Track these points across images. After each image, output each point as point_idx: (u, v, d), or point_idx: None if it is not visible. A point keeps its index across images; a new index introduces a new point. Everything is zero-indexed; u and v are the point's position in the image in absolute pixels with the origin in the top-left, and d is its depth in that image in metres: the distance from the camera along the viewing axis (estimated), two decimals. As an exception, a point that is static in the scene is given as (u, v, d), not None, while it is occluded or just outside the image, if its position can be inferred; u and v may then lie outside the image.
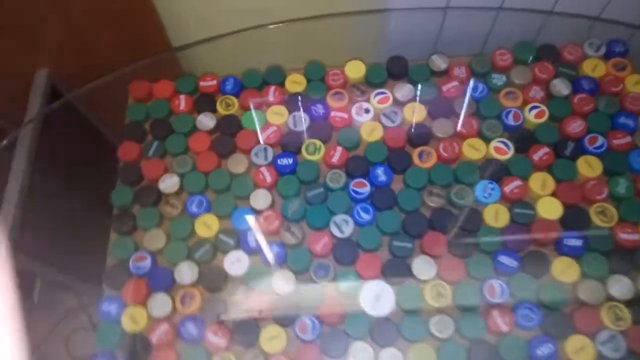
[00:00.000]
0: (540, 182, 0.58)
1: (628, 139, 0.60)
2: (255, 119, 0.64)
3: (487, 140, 0.61)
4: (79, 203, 0.88)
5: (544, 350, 0.50)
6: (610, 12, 0.74)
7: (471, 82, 0.65)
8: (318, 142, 0.62)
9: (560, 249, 0.55)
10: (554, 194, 0.58)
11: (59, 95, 0.92)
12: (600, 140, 0.60)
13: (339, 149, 0.61)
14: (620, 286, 0.53)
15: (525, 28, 0.74)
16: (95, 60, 0.80)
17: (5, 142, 0.72)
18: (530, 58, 0.66)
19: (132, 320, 0.54)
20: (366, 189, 0.59)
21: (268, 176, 0.60)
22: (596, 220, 0.56)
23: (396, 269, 0.55)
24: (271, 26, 0.70)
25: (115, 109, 0.76)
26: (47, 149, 0.82)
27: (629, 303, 0.52)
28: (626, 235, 0.55)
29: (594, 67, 0.65)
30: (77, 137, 0.91)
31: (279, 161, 0.61)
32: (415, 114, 0.63)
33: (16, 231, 0.75)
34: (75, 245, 0.88)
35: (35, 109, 0.85)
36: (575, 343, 0.51)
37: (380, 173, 0.60)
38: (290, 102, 0.65)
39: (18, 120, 0.84)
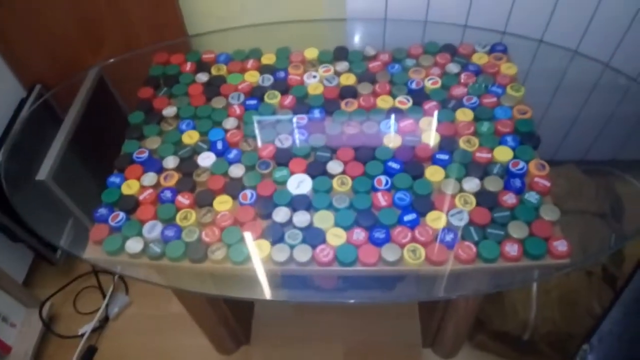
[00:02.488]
0: (427, 123, 0.81)
1: (495, 99, 0.84)
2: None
3: (394, 97, 0.86)
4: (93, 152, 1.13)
5: (410, 217, 0.71)
6: (513, 28, 1.01)
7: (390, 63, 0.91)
8: (277, 92, 0.88)
9: (433, 160, 0.77)
10: (436, 130, 0.81)
11: (104, 84, 1.23)
12: (475, 99, 0.84)
13: (291, 96, 0.87)
14: (471, 184, 0.73)
15: (450, 38, 1.00)
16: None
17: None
18: (435, 51, 0.93)
19: (128, 187, 0.78)
20: (304, 121, 0.84)
21: (238, 110, 0.86)
22: (463, 145, 0.78)
23: (316, 169, 0.77)
24: (259, 26, 1.00)
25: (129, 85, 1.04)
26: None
27: (475, 194, 0.72)
28: (481, 154, 0.76)
29: (479, 58, 0.90)
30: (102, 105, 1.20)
31: (247, 102, 0.87)
32: (348, 79, 0.89)
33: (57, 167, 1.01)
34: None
35: (83, 94, 1.16)
36: (433, 215, 0.71)
37: (317, 112, 0.85)
38: (262, 69, 0.92)
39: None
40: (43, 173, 1.00)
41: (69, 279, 1.38)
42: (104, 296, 1.34)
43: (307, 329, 1.28)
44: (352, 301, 0.77)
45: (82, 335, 1.27)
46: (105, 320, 1.32)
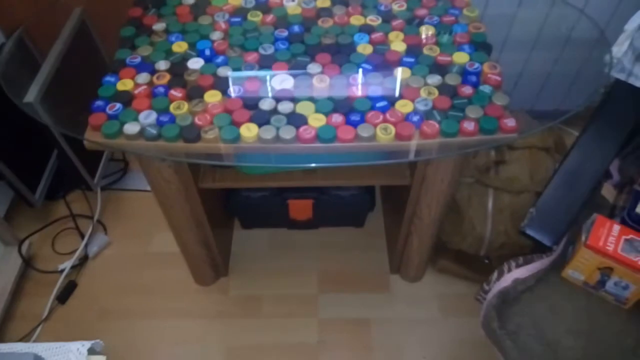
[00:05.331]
0: (395, 35, 0.92)
1: (453, 18, 0.95)
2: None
3: (365, 17, 0.96)
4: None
5: (382, 104, 0.80)
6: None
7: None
8: (259, 12, 0.97)
9: (402, 63, 0.87)
10: (403, 41, 0.91)
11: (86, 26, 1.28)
12: (436, 18, 0.95)
13: (272, 15, 0.96)
14: (433, 79, 0.84)
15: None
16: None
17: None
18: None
19: (123, 84, 0.84)
20: (285, 33, 0.93)
21: (223, 25, 0.94)
22: (426, 52, 0.89)
23: (297, 70, 0.86)
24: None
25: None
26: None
27: (437, 87, 0.83)
28: (442, 58, 0.87)
29: (439, -12, 1.02)
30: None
31: (232, 19, 0.95)
32: (323, 2, 0.99)
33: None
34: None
35: (66, 34, 1.20)
36: (402, 103, 0.81)
37: (296, 28, 0.94)
38: (244, -6, 1.01)
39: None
40: (31, 95, 1.05)
41: (47, 222, 1.41)
42: (83, 238, 1.37)
43: (282, 262, 1.35)
44: (320, 164, 0.85)
45: (62, 271, 1.30)
46: (84, 259, 1.35)
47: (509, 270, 0.80)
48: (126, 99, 0.82)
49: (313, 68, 0.86)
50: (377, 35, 0.92)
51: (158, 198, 1.00)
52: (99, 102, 0.81)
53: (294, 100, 0.82)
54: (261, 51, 0.89)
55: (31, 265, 1.31)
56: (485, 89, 0.82)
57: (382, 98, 0.81)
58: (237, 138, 0.77)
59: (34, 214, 1.41)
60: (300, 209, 1.28)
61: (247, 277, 1.33)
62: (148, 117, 0.79)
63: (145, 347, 1.20)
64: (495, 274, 0.82)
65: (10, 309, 1.25)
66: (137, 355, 1.19)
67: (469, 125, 0.77)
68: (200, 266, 1.24)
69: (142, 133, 0.78)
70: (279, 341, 1.21)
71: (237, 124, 0.78)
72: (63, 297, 1.28)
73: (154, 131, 0.77)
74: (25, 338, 1.21)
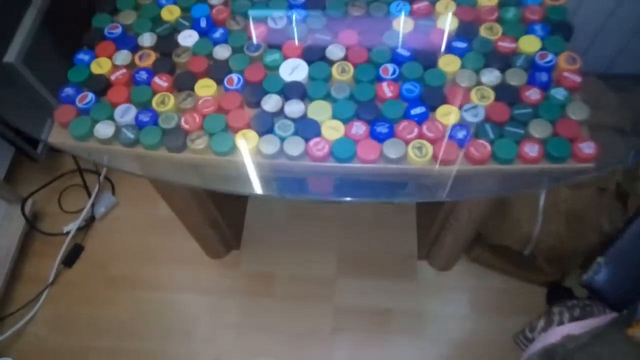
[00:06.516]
0: (444, 6, 0.70)
1: (525, -18, 0.72)
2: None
3: (407, -23, 0.74)
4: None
5: (418, 111, 0.62)
6: None
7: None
8: (271, -35, 0.76)
9: (449, 49, 0.67)
10: (454, 14, 0.70)
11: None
12: (501, -19, 0.72)
13: (286, -28, 0.75)
14: (490, 76, 0.64)
15: None
16: None
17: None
18: None
19: (99, 65, 0.68)
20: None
21: (226, -17, 0.74)
22: (484, 33, 0.68)
23: (314, 53, 0.67)
24: None
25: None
26: None
27: (494, 88, 0.63)
28: (504, 44, 0.66)
29: None
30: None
31: (237, -25, 0.75)
32: (355, -47, 0.76)
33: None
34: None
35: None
36: (445, 110, 0.62)
37: (317, -10, 0.73)
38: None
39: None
40: (11, 55, 0.90)
41: (52, 177, 1.32)
42: (90, 195, 1.28)
43: (299, 237, 1.24)
44: (347, 199, 0.70)
45: (67, 233, 1.23)
46: (91, 219, 1.27)
47: (560, 322, 0.66)
48: (101, 86, 0.66)
49: (334, 52, 0.67)
50: (420, 5, 0.70)
51: (153, 185, 0.88)
52: (69, 90, 0.66)
53: (306, 97, 0.64)
54: (270, 23, 0.70)
55: (35, 227, 1.24)
56: (559, 93, 0.62)
57: (419, 101, 0.63)
58: (232, 150, 0.62)
59: (39, 169, 1.31)
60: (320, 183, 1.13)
61: (261, 251, 1.22)
62: (125, 114, 0.64)
63: (151, 319, 1.15)
64: (542, 322, 0.68)
65: (16, 270, 1.21)
66: (142, 327, 1.14)
67: (530, 150, 0.59)
68: (209, 243, 1.14)
69: (117, 136, 0.63)
70: (290, 325, 1.13)
71: (233, 130, 0.63)
72: (69, 260, 1.22)
73: (131, 135, 0.62)
74: (32, 302, 1.17)
